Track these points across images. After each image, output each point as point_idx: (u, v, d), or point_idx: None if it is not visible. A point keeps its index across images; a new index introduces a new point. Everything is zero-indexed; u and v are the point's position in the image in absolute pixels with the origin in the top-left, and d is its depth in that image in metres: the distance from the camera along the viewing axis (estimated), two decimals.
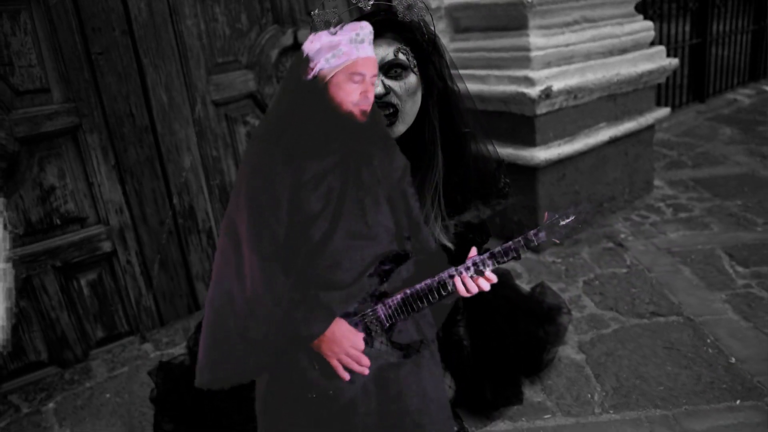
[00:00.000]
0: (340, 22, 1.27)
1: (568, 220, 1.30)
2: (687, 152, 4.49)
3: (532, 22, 2.76)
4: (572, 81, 2.81)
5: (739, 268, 2.74)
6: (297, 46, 2.80)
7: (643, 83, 3.26)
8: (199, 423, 1.84)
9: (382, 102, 1.53)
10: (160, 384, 1.99)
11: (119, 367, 2.41)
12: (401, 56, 1.54)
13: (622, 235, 3.15)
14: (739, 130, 4.97)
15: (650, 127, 3.48)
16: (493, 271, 1.36)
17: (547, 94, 2.69)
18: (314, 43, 1.27)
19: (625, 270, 2.80)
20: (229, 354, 1.29)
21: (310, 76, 1.28)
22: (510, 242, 1.31)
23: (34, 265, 2.31)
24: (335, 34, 1.27)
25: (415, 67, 1.56)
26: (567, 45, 2.86)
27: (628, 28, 3.17)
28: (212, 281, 1.33)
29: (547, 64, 2.80)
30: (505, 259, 1.32)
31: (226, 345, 1.29)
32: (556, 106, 2.81)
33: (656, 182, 3.80)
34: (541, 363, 2.10)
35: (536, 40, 2.77)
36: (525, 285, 2.61)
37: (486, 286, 1.35)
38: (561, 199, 3.02)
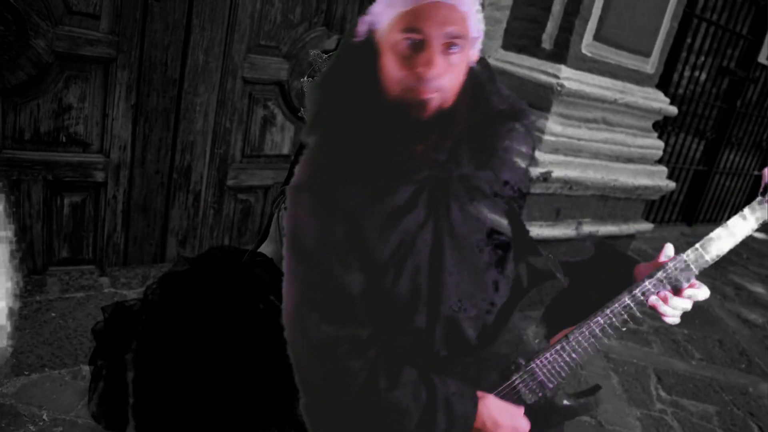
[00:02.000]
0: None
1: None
2: None
3: (555, 108, 2.92)
4: (573, 173, 2.96)
5: (662, 393, 2.90)
6: None
7: (637, 195, 3.43)
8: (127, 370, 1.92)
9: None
10: (108, 321, 2.08)
11: (72, 291, 2.50)
12: None
13: None
14: (712, 264, 5.17)
15: (630, 236, 3.65)
16: None
17: (545, 177, 2.84)
18: None
19: None
20: None
21: (359, 37, 0.97)
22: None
23: (28, 171, 2.39)
24: None
25: None
26: (579, 139, 3.02)
27: (640, 141, 3.34)
28: None
29: (555, 150, 2.96)
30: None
31: None
32: (551, 191, 2.96)
33: None
34: None
35: (553, 126, 2.92)
36: None
37: (687, 304, 1.07)
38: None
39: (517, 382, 1.05)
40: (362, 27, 0.93)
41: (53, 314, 2.32)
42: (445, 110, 0.91)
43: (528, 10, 3.03)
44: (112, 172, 2.59)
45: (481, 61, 1.05)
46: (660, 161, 3.62)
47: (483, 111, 0.97)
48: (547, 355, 1.04)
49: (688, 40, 4.69)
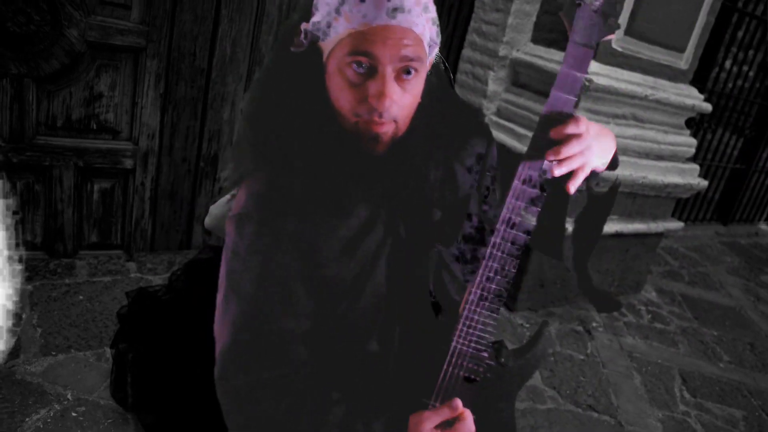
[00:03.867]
0: None
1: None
2: (688, 267, 4.59)
3: (583, 103, 2.87)
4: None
5: (687, 395, 2.85)
6: None
7: (667, 193, 3.36)
8: (150, 355, 1.97)
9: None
10: (132, 305, 2.13)
11: (100, 275, 2.56)
12: None
13: (594, 324, 3.27)
14: (746, 264, 5.06)
15: (659, 234, 3.59)
16: None
17: None
18: None
19: (582, 357, 2.93)
20: None
21: (299, 46, 0.86)
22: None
23: (60, 157, 2.46)
24: None
25: None
26: None
27: (671, 138, 3.27)
28: None
29: None
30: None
31: None
32: (577, 188, 2.92)
33: (646, 286, 3.91)
34: None
35: None
36: None
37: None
38: (550, 271, 3.14)
39: (450, 370, 0.99)
40: (302, 35, 0.83)
41: (81, 297, 2.38)
42: (398, 140, 0.87)
43: (558, 4, 2.99)
44: (140, 160, 2.64)
45: (435, 67, 0.99)
46: (695, 159, 3.54)
47: (438, 128, 0.93)
48: (459, 326, 0.97)
49: (728, 35, 4.56)
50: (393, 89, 0.80)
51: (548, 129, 0.87)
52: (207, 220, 1.50)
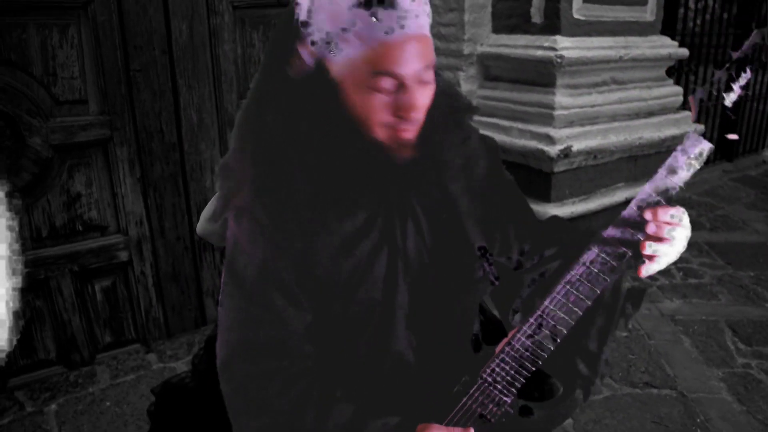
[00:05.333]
0: None
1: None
2: (706, 213, 4.49)
3: (560, 81, 2.81)
4: (593, 142, 2.85)
5: (741, 346, 2.75)
6: None
7: (666, 147, 3.28)
8: None
9: None
10: (159, 400, 2.05)
11: (122, 375, 2.49)
12: None
13: None
14: (762, 195, 4.95)
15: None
16: None
17: (566, 153, 2.73)
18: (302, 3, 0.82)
19: (625, 334, 2.82)
20: None
21: (302, 70, 0.83)
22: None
23: (53, 267, 2.40)
24: None
25: None
26: (593, 106, 2.90)
27: (656, 92, 3.20)
28: None
29: (570, 123, 2.85)
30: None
31: None
32: (575, 165, 2.85)
33: None
34: None
35: (562, 99, 2.82)
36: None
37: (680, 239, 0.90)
38: None
39: (469, 402, 0.94)
40: (308, 59, 0.80)
41: (108, 403, 2.31)
42: (418, 141, 0.85)
43: None
44: (134, 249, 2.58)
45: None
46: (684, 106, 3.46)
47: (444, 123, 0.91)
48: (493, 365, 0.93)
49: None
50: (422, 98, 0.80)
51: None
52: (198, 227, 1.43)
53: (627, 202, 2.84)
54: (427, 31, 0.80)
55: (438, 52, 3.13)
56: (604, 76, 2.95)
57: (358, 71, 0.77)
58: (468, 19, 2.98)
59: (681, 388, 2.43)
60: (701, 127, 3.43)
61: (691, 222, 0.99)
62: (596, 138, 2.88)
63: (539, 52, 2.79)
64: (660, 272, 3.43)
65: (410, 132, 0.82)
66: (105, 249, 2.52)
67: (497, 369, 0.92)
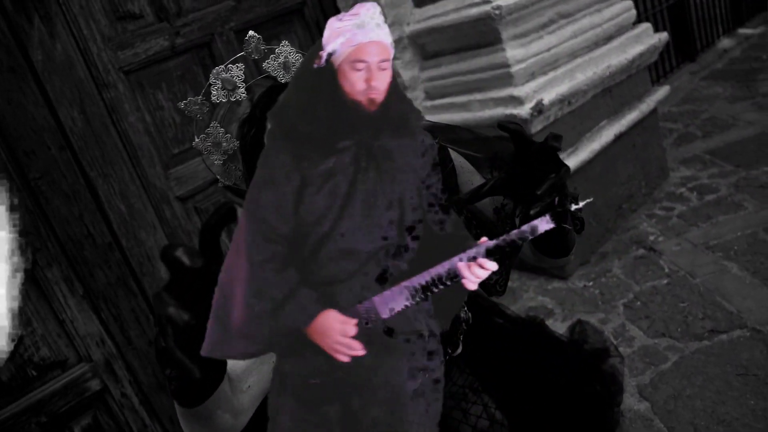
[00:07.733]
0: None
1: (580, 205, 1.04)
2: (693, 121, 4.21)
3: (505, 33, 2.50)
4: (562, 87, 2.54)
5: None
6: (256, 115, 2.54)
7: (636, 67, 2.99)
8: None
9: None
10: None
11: None
12: None
13: (652, 237, 2.87)
14: (739, 85, 4.69)
15: (653, 111, 3.20)
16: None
17: (539, 109, 2.42)
18: (326, 31, 1.16)
19: (666, 281, 2.51)
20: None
21: (318, 64, 1.19)
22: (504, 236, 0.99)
23: (17, 428, 2.04)
24: (341, 19, 1.16)
25: None
26: (549, 49, 2.59)
27: (607, 13, 2.90)
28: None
29: (532, 76, 2.54)
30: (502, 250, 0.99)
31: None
32: (551, 119, 2.54)
33: (670, 165, 3.52)
34: (607, 429, 1.81)
35: (514, 52, 2.50)
36: (560, 323, 2.33)
37: (482, 274, 1.07)
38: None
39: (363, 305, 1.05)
40: (323, 56, 1.13)
41: None
42: (382, 102, 1.14)
43: None
44: (105, 373, 2.23)
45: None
46: (639, 19, 3.17)
47: (397, 98, 1.17)
48: (389, 291, 1.01)
49: None
50: (377, 75, 1.11)
51: None
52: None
53: (617, 139, 2.50)
54: (384, 39, 1.11)
55: None
56: (549, 14, 2.64)
57: (347, 60, 1.11)
58: (384, 2, 2.66)
59: (751, 323, 2.13)
60: (665, 35, 3.14)
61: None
62: (564, 82, 2.58)
63: (473, 10, 2.47)
64: (673, 200, 3.15)
65: (376, 94, 1.12)
66: (71, 385, 2.17)
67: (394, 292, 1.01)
